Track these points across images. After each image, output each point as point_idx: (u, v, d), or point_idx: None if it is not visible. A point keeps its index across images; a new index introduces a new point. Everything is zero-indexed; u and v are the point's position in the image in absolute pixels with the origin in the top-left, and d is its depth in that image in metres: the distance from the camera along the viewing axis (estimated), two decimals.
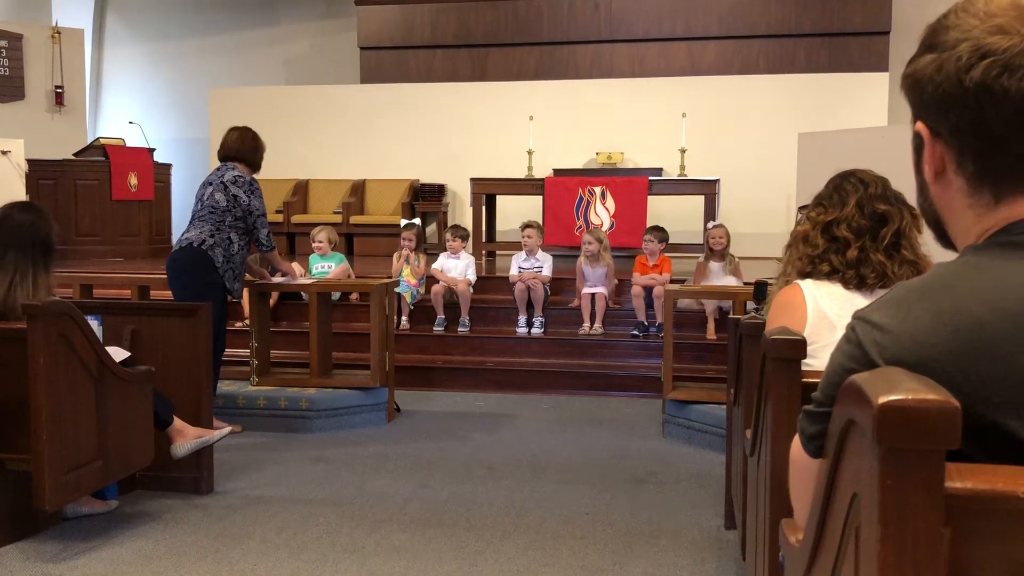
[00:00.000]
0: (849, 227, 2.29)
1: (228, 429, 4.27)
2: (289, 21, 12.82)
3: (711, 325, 6.52)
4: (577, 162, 10.42)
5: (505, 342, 6.83)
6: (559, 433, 5.33)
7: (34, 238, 3.61)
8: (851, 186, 2.35)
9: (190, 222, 5.04)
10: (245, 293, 5.77)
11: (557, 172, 9.86)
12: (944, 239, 1.10)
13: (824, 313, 2.21)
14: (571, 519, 3.86)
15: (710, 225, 6.98)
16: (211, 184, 5.02)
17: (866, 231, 2.29)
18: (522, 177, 9.46)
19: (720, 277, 6.59)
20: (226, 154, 5.10)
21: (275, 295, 6.60)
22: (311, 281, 6.07)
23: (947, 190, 1.03)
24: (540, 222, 7.85)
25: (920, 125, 1.03)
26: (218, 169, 5.10)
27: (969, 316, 0.93)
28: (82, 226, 9.36)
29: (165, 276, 5.08)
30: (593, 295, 6.77)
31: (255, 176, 5.14)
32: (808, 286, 2.28)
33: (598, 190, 8.58)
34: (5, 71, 10.48)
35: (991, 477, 0.84)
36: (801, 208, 3.44)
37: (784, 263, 2.75)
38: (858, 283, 2.25)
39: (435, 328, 6.92)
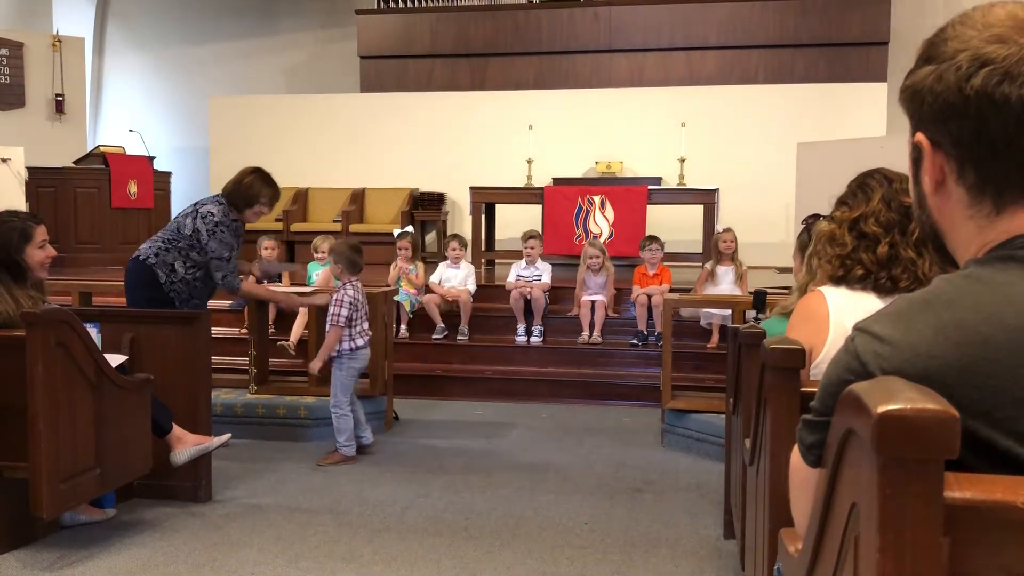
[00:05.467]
0: (877, 222, 2.19)
1: (227, 436, 4.26)
2: (289, 30, 12.85)
3: (715, 336, 6.52)
4: (576, 171, 10.44)
5: (504, 351, 6.83)
6: (558, 442, 5.33)
7: None
8: (875, 182, 2.26)
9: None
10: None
11: (556, 181, 9.88)
12: (942, 253, 1.10)
13: (847, 331, 2.09)
14: (570, 528, 3.85)
15: (719, 229, 6.95)
16: (193, 206, 4.77)
17: (895, 225, 2.19)
18: (521, 186, 9.48)
19: (726, 282, 6.58)
20: (223, 188, 4.83)
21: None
22: (311, 289, 6.07)
23: (947, 202, 1.03)
24: (540, 231, 7.86)
25: (920, 136, 1.02)
26: (212, 196, 4.85)
27: (971, 330, 0.93)
28: (82, 234, 9.37)
29: None
30: (593, 303, 6.77)
31: (240, 221, 4.76)
32: (834, 298, 2.16)
33: (597, 199, 8.60)
34: (6, 79, 10.50)
35: (990, 487, 0.84)
36: (807, 219, 3.37)
37: (803, 269, 2.69)
38: (891, 287, 2.15)
39: (434, 337, 6.92)
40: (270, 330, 6.22)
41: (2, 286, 3.51)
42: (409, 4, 11.80)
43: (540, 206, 8.82)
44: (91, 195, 9.40)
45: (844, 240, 2.23)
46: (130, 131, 10.59)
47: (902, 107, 1.05)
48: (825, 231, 2.30)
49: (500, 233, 9.66)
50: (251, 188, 4.73)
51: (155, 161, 10.15)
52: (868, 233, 2.20)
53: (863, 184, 2.29)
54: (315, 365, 4.98)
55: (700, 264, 8.31)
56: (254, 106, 11.46)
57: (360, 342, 4.90)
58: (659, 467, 4.81)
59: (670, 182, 9.72)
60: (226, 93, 12.05)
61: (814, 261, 2.37)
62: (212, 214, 4.64)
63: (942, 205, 1.04)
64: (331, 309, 4.84)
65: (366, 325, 4.98)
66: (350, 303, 4.83)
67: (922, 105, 1.00)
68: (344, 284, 4.89)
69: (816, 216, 3.04)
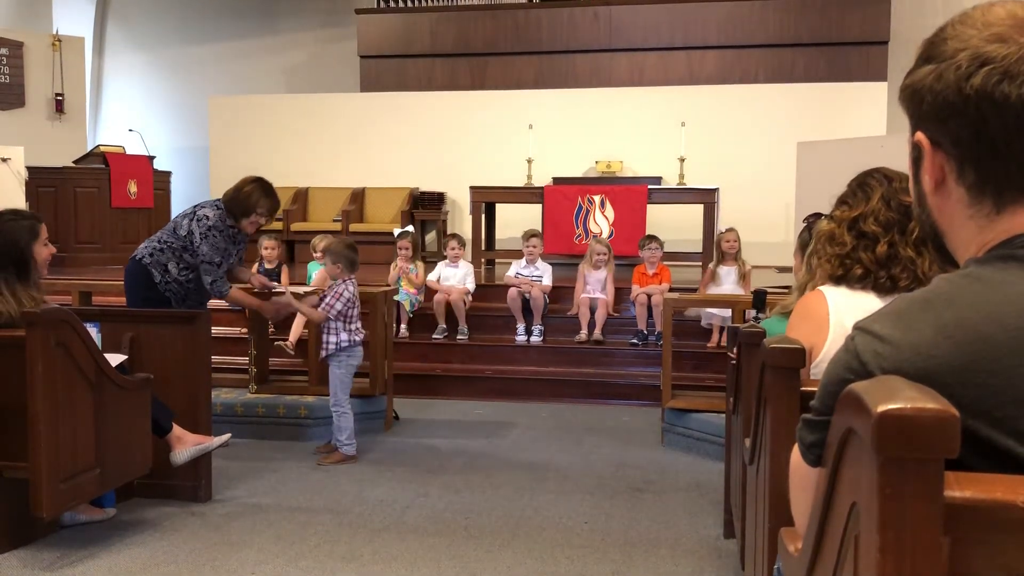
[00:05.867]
0: (876, 221, 2.19)
1: (227, 436, 4.26)
2: (289, 29, 12.85)
3: (715, 336, 6.52)
4: (576, 170, 10.44)
5: (504, 350, 6.83)
6: (558, 442, 5.33)
7: (4, 250, 3.51)
8: (875, 181, 2.26)
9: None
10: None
11: (556, 180, 9.88)
12: (942, 252, 1.10)
13: (847, 331, 2.05)
14: (570, 528, 3.85)
15: (722, 229, 6.92)
16: (193, 208, 4.79)
17: (894, 224, 2.19)
18: (521, 185, 9.47)
19: (729, 282, 6.58)
20: (224, 193, 4.81)
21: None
22: (311, 288, 6.07)
23: (947, 201, 1.03)
24: (541, 231, 7.86)
25: (919, 135, 1.02)
26: (213, 200, 4.86)
27: (971, 329, 0.93)
28: (81, 233, 9.37)
29: None
30: (595, 301, 6.76)
31: (237, 228, 4.76)
32: (833, 297, 2.16)
33: (597, 199, 8.60)
34: (5, 79, 10.50)
35: (990, 486, 0.84)
36: (807, 218, 3.36)
37: (802, 268, 2.68)
38: (891, 286, 2.15)
39: (434, 336, 6.92)
40: (270, 330, 6.22)
41: (7, 286, 3.51)
42: (409, 4, 11.80)
43: (540, 206, 8.82)
44: (91, 195, 9.39)
45: (844, 239, 2.23)
46: (130, 131, 10.58)
47: (902, 106, 1.05)
48: (825, 230, 2.30)
49: (500, 233, 9.66)
50: (249, 198, 4.71)
51: (155, 161, 10.14)
52: (867, 232, 2.20)
53: (863, 183, 2.29)
54: (280, 299, 5.06)
55: (700, 263, 8.33)
56: (254, 106, 11.46)
57: (358, 338, 4.92)
58: (659, 466, 4.81)
59: (670, 181, 9.72)
60: (226, 93, 12.04)
61: (813, 260, 2.37)
62: (208, 218, 4.65)
63: (942, 204, 1.04)
64: (327, 299, 4.85)
65: (360, 324, 4.99)
66: (347, 300, 4.84)
67: (922, 104, 1.00)
68: (344, 281, 4.90)
69: (818, 215, 3.03)
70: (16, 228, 3.60)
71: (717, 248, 6.83)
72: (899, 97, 1.05)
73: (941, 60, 0.98)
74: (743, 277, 6.62)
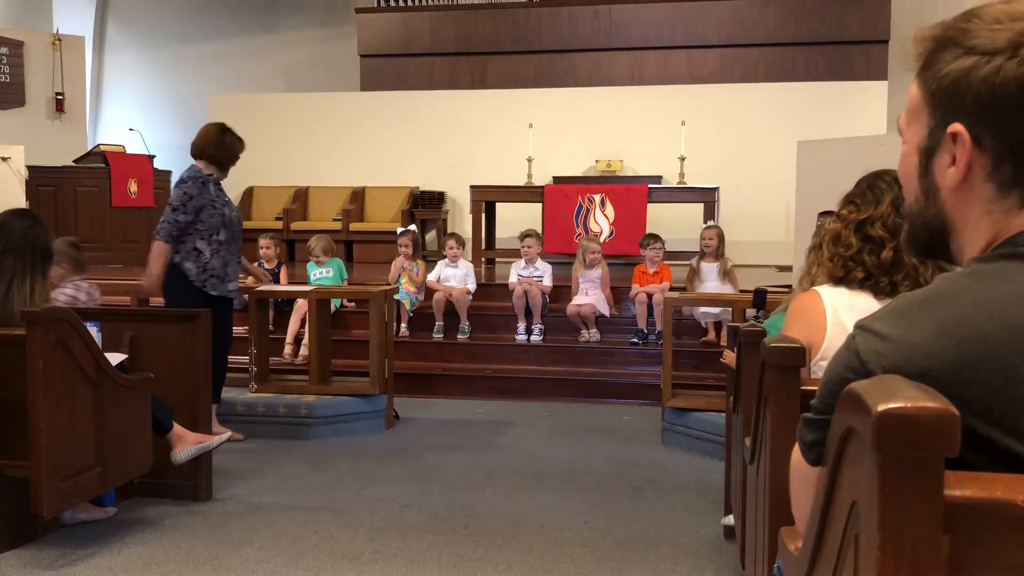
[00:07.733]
0: (884, 226, 2.19)
1: (228, 434, 4.27)
2: (289, 28, 12.85)
3: (711, 332, 6.53)
4: (576, 170, 10.44)
5: (504, 349, 6.83)
6: (558, 441, 5.33)
7: (33, 245, 3.56)
8: (885, 184, 2.25)
9: None
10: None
11: (556, 180, 9.88)
12: (937, 249, 1.09)
13: (844, 328, 2.07)
14: (570, 527, 3.85)
15: (703, 226, 6.93)
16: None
17: (901, 230, 2.21)
18: (522, 184, 9.47)
19: (713, 279, 6.57)
20: (191, 151, 5.01)
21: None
22: (311, 288, 6.08)
23: (967, 196, 1.01)
24: (539, 230, 7.85)
25: (959, 128, 0.98)
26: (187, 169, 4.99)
27: (972, 328, 0.92)
28: (82, 233, 9.30)
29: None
30: (582, 307, 6.71)
31: (219, 176, 5.01)
32: (829, 296, 2.17)
33: (597, 198, 8.60)
34: (6, 78, 10.49)
35: (990, 485, 0.84)
36: (822, 214, 3.35)
37: (809, 264, 2.69)
38: (891, 290, 2.15)
39: (434, 335, 6.92)
40: (270, 328, 6.22)
41: (31, 282, 3.53)
42: (409, 3, 11.79)
43: (540, 205, 8.82)
44: (91, 194, 9.39)
45: (849, 241, 2.23)
46: (130, 130, 10.58)
47: (932, 98, 1.01)
48: (831, 231, 2.30)
49: (500, 232, 9.66)
50: (232, 146, 5.08)
51: (155, 160, 10.14)
52: (874, 237, 2.20)
53: (873, 185, 2.28)
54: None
55: None
56: (254, 104, 11.44)
57: None
58: (659, 465, 4.81)
59: (670, 180, 9.72)
60: (226, 91, 12.03)
61: (811, 256, 2.37)
62: (182, 176, 4.96)
63: (960, 199, 1.02)
64: None
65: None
66: (66, 303, 4.31)
67: (966, 96, 0.97)
68: (64, 284, 4.43)
69: (830, 213, 3.04)
70: (43, 227, 3.68)
71: (700, 245, 6.84)
72: (931, 87, 1.01)
73: (990, 52, 0.95)
74: (725, 274, 6.61)
